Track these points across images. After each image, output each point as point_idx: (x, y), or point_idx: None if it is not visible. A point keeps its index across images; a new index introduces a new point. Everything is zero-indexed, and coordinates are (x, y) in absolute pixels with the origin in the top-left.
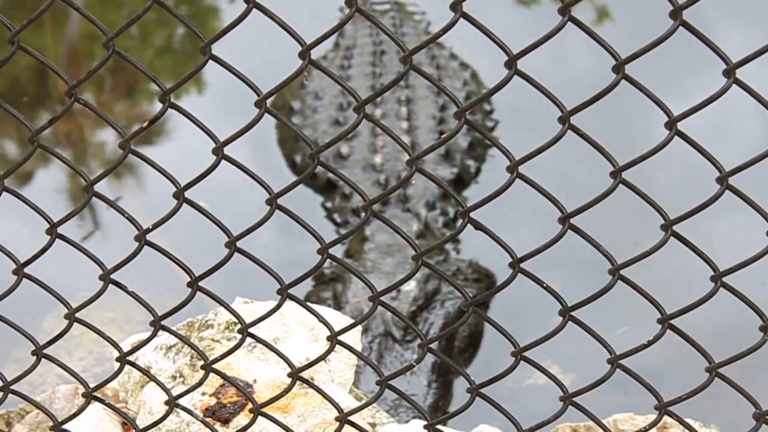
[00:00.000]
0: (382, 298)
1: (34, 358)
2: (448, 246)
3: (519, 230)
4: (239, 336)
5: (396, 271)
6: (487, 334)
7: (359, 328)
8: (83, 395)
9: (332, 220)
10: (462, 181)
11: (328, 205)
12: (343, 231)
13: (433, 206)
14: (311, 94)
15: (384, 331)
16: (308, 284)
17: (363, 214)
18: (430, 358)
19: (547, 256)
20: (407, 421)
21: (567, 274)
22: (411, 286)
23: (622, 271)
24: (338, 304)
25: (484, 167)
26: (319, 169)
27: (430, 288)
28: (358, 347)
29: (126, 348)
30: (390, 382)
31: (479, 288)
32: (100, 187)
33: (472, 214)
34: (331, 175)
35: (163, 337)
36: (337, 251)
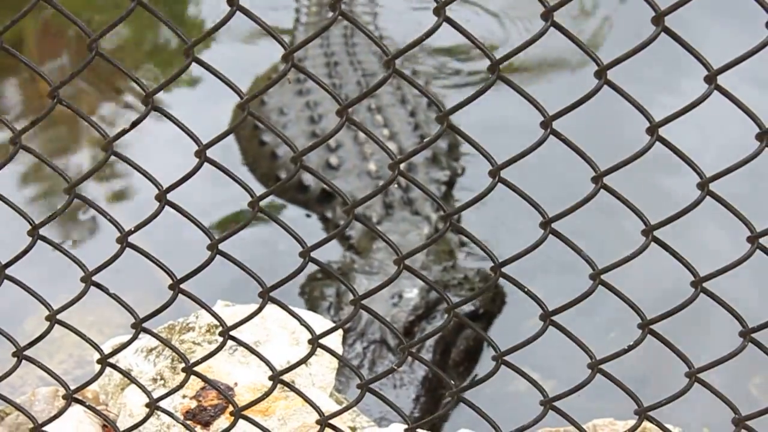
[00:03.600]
0: (366, 302)
1: (14, 359)
2: (459, 252)
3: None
4: (220, 339)
5: (402, 275)
6: (487, 350)
7: (340, 331)
8: (63, 397)
9: (337, 227)
10: (453, 183)
11: (329, 215)
12: (351, 238)
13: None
14: (275, 111)
15: (380, 338)
16: (303, 280)
17: (346, 218)
18: (421, 372)
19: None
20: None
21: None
22: (413, 294)
23: (603, 276)
24: (339, 304)
25: (468, 166)
26: (312, 179)
27: (432, 297)
28: (339, 351)
29: (107, 350)
30: (371, 386)
31: (485, 296)
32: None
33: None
34: (324, 186)
35: (144, 340)
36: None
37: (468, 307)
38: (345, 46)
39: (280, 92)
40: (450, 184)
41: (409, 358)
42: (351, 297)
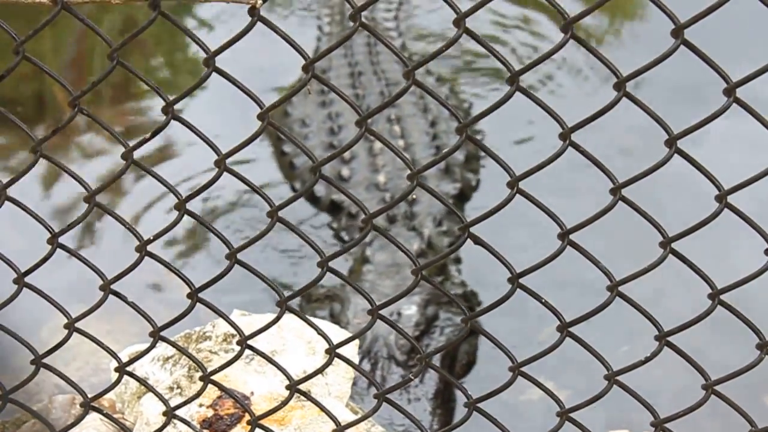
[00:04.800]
0: (381, 313)
1: (32, 367)
2: (452, 271)
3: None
4: (237, 348)
5: (395, 293)
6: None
7: (357, 342)
8: (81, 405)
9: (339, 239)
10: (464, 196)
11: (335, 225)
12: (352, 250)
13: (440, 223)
14: (297, 122)
15: (387, 355)
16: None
17: (365, 227)
18: (431, 385)
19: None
20: None
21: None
22: (412, 311)
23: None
24: (337, 324)
25: (483, 179)
26: (323, 190)
27: (430, 313)
28: (356, 361)
29: (124, 359)
30: (388, 396)
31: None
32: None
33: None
34: (335, 195)
35: (160, 349)
36: (342, 269)
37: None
38: (369, 55)
39: (303, 103)
40: (461, 197)
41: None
42: (346, 317)
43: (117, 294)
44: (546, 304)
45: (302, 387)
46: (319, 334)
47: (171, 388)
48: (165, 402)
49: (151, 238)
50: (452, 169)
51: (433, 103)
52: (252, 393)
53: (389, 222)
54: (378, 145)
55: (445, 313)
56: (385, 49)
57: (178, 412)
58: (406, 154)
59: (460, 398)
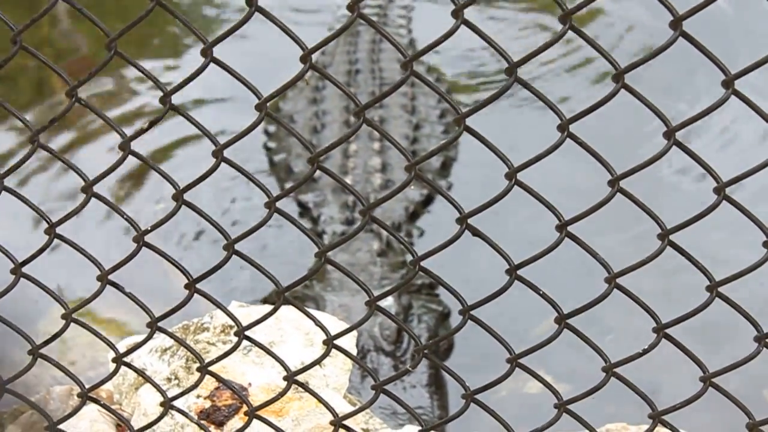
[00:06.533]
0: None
1: (30, 358)
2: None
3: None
4: (235, 339)
5: (355, 287)
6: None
7: (354, 333)
8: (78, 396)
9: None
10: (432, 201)
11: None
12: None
13: (399, 228)
14: (286, 118)
15: (374, 347)
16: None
17: (362, 219)
18: (423, 374)
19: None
20: (401, 425)
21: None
22: (389, 302)
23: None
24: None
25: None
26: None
27: (405, 302)
28: (354, 352)
29: (121, 350)
30: (385, 387)
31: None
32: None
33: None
34: (301, 197)
35: (158, 340)
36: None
37: (438, 308)
38: (371, 53)
39: (296, 99)
40: (426, 202)
41: (406, 359)
42: None
43: (114, 284)
44: (544, 296)
45: (300, 378)
46: (317, 325)
47: (169, 379)
48: (162, 393)
49: (149, 228)
50: (424, 175)
51: (423, 104)
52: (250, 384)
53: (348, 224)
54: (353, 147)
55: (417, 301)
56: (389, 46)
57: (175, 403)
58: (378, 157)
59: (451, 382)
